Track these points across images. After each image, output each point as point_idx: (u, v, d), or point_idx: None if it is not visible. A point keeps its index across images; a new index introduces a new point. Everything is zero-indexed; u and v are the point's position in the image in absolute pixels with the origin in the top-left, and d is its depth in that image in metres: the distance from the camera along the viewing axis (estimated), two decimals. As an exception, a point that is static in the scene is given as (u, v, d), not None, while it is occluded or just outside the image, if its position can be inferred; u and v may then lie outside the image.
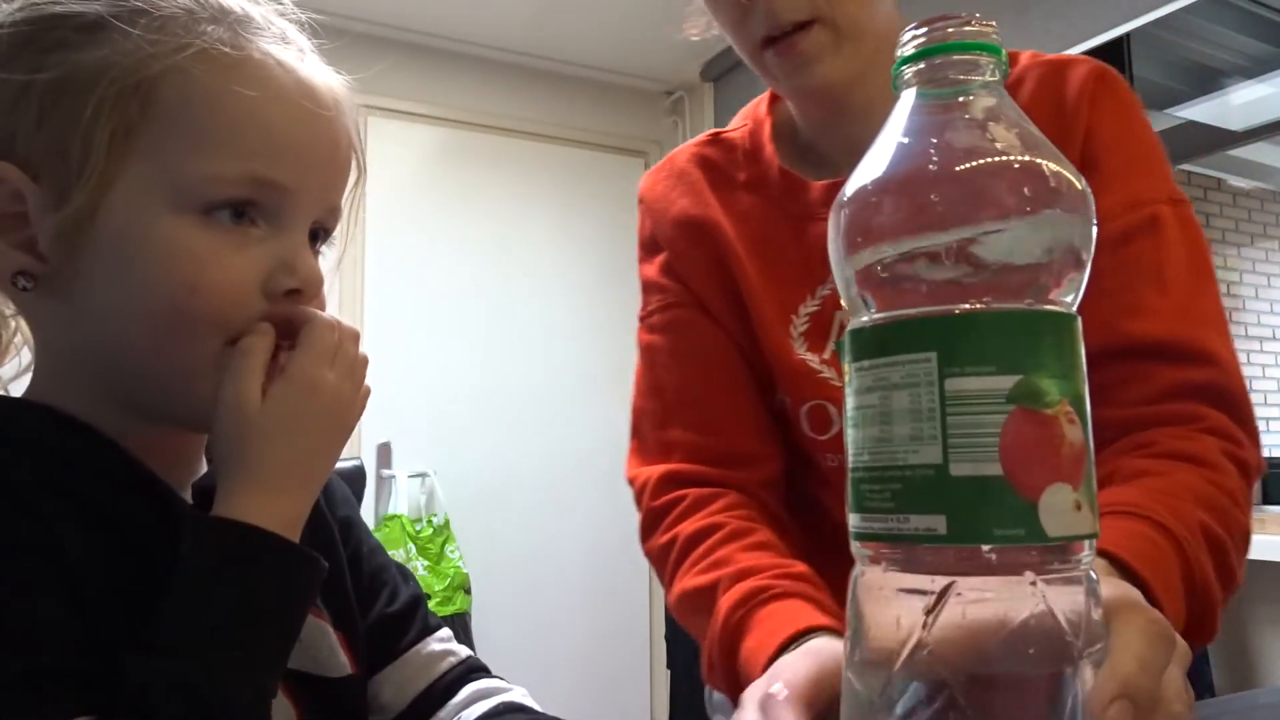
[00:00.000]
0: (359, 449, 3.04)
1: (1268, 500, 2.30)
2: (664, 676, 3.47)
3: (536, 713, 0.64)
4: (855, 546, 0.39)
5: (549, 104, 3.55)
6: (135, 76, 0.48)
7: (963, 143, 0.38)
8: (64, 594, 0.45)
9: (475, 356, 3.28)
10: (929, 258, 0.37)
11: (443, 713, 0.64)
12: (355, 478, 1.62)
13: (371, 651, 0.63)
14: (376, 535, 0.69)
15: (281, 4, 0.57)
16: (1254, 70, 3.15)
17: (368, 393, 0.55)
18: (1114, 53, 2.64)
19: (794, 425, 0.83)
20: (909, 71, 0.40)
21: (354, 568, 0.65)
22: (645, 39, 3.28)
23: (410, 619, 0.66)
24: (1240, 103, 3.28)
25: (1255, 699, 0.76)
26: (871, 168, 0.39)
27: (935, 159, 0.38)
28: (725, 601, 0.68)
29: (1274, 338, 3.96)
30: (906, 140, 0.39)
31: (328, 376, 0.51)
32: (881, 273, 0.38)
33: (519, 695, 0.66)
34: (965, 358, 0.35)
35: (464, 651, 0.68)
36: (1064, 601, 0.35)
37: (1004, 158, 0.37)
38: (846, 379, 0.39)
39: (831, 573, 0.68)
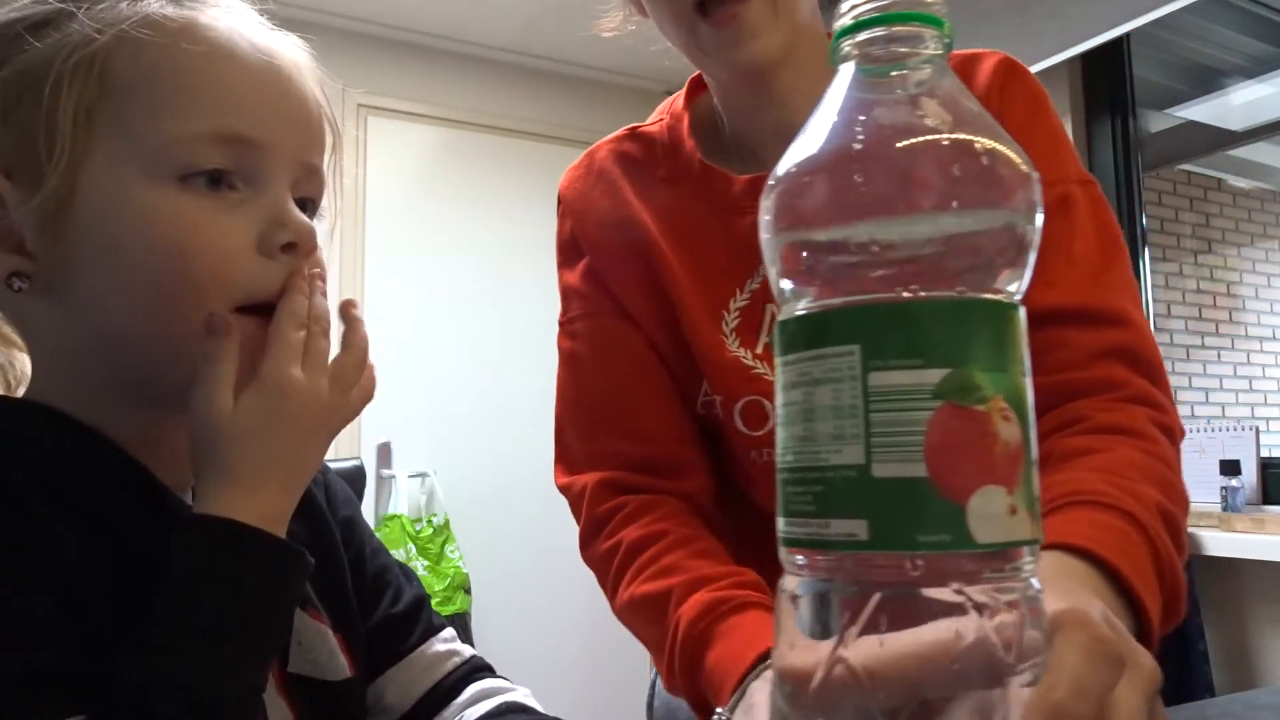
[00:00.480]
0: (359, 449, 3.04)
1: (1268, 500, 2.30)
2: (664, 676, 3.47)
3: (538, 713, 0.64)
4: (782, 552, 0.36)
5: (549, 104, 3.55)
6: (85, 53, 0.48)
7: (898, 123, 0.35)
8: (59, 594, 0.44)
9: (475, 356, 3.28)
10: (858, 245, 0.34)
11: (446, 712, 0.63)
12: (355, 478, 1.62)
13: (375, 653, 0.63)
14: (376, 535, 0.69)
15: None
16: (1254, 70, 3.15)
17: (361, 383, 0.54)
18: (1114, 53, 2.64)
19: (726, 424, 0.81)
20: (847, 44, 0.37)
21: (356, 569, 0.64)
22: (644, 39, 3.27)
23: (414, 620, 0.66)
24: (1240, 103, 3.28)
25: (1255, 699, 0.76)
26: (803, 147, 0.36)
27: (869, 140, 0.35)
28: (686, 612, 0.67)
29: (1274, 338, 3.96)
30: (841, 119, 0.36)
31: (297, 376, 0.50)
32: (809, 260, 0.35)
33: (522, 695, 0.65)
34: (890, 350, 0.33)
35: (468, 651, 0.67)
36: (995, 613, 0.33)
37: (941, 139, 0.34)
38: (776, 375, 0.37)
39: (764, 573, 0.69)
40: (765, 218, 0.37)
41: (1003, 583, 0.33)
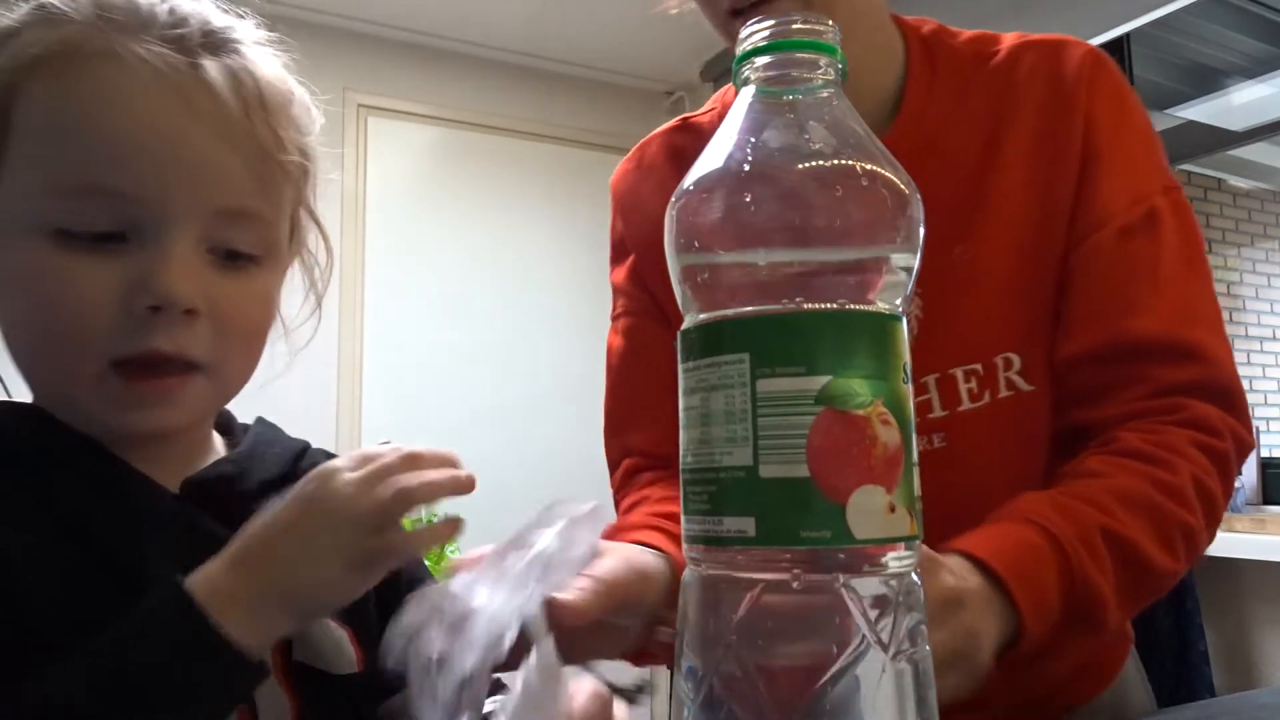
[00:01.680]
0: (359, 449, 3.04)
1: (1268, 500, 2.30)
2: (664, 676, 3.47)
3: None
4: (685, 549, 0.39)
5: (549, 104, 3.55)
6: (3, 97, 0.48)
7: (789, 147, 0.38)
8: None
9: (475, 356, 3.28)
10: (747, 260, 0.37)
11: None
12: (355, 478, 1.62)
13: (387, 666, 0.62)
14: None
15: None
16: (1254, 70, 3.15)
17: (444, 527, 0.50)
18: (1114, 53, 2.63)
19: None
20: (746, 69, 0.40)
21: (392, 578, 0.64)
22: (644, 39, 3.28)
23: None
24: (1240, 103, 3.27)
25: (1255, 699, 0.76)
26: (701, 168, 0.39)
27: (760, 163, 0.38)
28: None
29: (1274, 338, 3.96)
30: (737, 141, 0.39)
31: (343, 472, 0.46)
32: (703, 274, 0.38)
33: None
34: (776, 359, 0.35)
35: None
36: (872, 604, 0.35)
37: (825, 163, 0.37)
38: (680, 380, 0.39)
39: None
40: (666, 234, 0.40)
41: (880, 575, 0.36)
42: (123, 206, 0.48)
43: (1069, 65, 0.76)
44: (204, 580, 0.43)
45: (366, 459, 0.47)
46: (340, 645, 0.56)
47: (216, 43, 0.52)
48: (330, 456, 0.55)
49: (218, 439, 0.61)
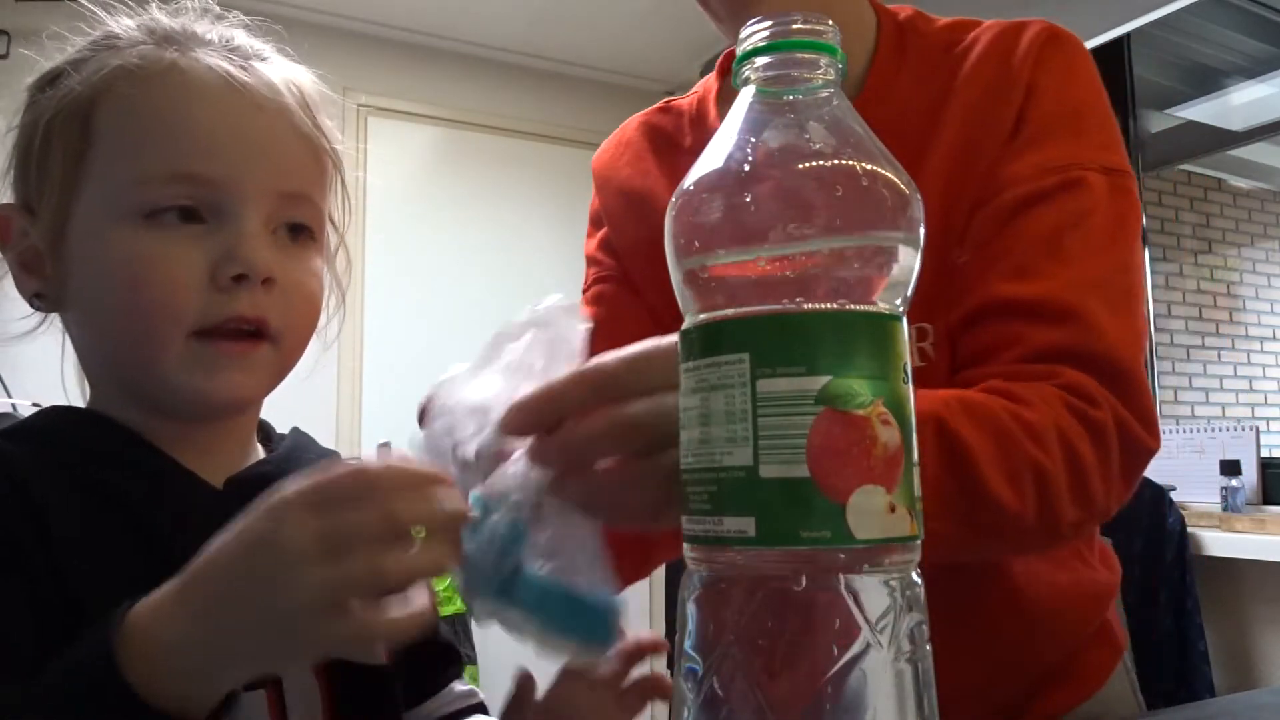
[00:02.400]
0: (359, 449, 3.04)
1: (1268, 500, 2.30)
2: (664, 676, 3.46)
3: None
4: (685, 549, 0.39)
5: (549, 104, 3.55)
6: (77, 106, 0.55)
7: (789, 146, 0.38)
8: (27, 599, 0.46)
9: (475, 355, 3.28)
10: (747, 260, 0.37)
11: None
12: (355, 478, 1.62)
13: (414, 678, 0.65)
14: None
15: (231, 15, 0.62)
16: (1254, 70, 3.15)
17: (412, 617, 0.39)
18: (1114, 53, 2.64)
19: None
20: (747, 68, 0.40)
21: None
22: (644, 39, 3.28)
23: (451, 654, 0.70)
24: (1240, 103, 3.28)
25: (1255, 699, 0.76)
26: (701, 168, 0.39)
27: (760, 163, 0.38)
28: None
29: (1274, 338, 3.96)
30: (737, 141, 0.39)
31: (299, 515, 0.38)
32: (704, 273, 0.38)
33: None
34: (776, 359, 0.35)
35: (480, 696, 0.70)
36: (873, 604, 0.35)
37: (826, 163, 0.37)
38: (680, 380, 0.39)
39: None
40: (666, 234, 0.40)
41: (882, 576, 0.36)
42: (203, 190, 0.54)
43: (1021, 43, 0.74)
44: (145, 623, 0.39)
45: (329, 495, 0.38)
46: None
47: (260, 55, 0.60)
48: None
49: (258, 445, 0.64)
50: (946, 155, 0.72)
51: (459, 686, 0.70)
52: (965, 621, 0.69)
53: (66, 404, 0.59)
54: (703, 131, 0.86)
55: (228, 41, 0.59)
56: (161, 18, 0.59)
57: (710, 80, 0.89)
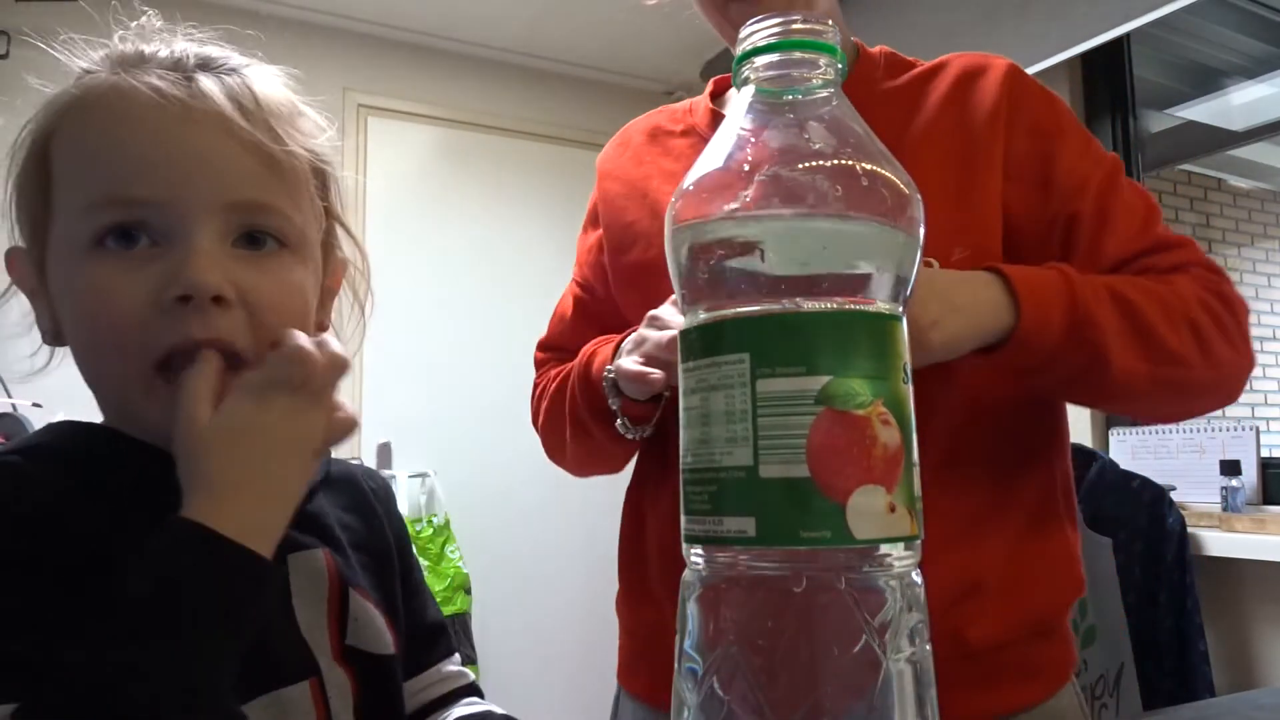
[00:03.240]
0: (359, 449, 3.04)
1: (1268, 500, 2.30)
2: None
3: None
4: (684, 549, 0.39)
5: (549, 104, 3.55)
6: (37, 146, 0.55)
7: (789, 146, 0.38)
8: (24, 582, 0.46)
9: (475, 356, 3.28)
10: (747, 260, 0.37)
11: (441, 714, 0.68)
12: (355, 478, 1.62)
13: (411, 655, 0.67)
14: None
15: (192, 29, 0.61)
16: (1254, 70, 3.15)
17: (346, 420, 0.55)
18: (1114, 53, 2.64)
19: None
20: (747, 68, 0.40)
21: (405, 576, 0.69)
22: (644, 39, 3.28)
23: (440, 635, 0.71)
24: (1240, 103, 3.28)
25: (1255, 699, 0.76)
26: (701, 167, 0.39)
27: (760, 162, 0.38)
28: (579, 355, 0.87)
29: (1274, 338, 3.96)
30: (737, 140, 0.39)
31: (279, 394, 0.51)
32: (704, 273, 0.38)
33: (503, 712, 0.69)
34: (776, 359, 0.35)
35: (470, 677, 0.72)
36: (873, 604, 0.35)
37: (826, 162, 0.37)
38: (680, 381, 0.39)
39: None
40: (666, 234, 0.40)
41: (882, 575, 0.36)
42: (142, 212, 0.52)
43: (988, 88, 0.83)
44: (205, 507, 0.47)
45: (277, 378, 0.51)
46: (382, 630, 0.61)
47: (212, 67, 0.58)
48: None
49: None
50: (930, 164, 0.80)
51: (449, 666, 0.71)
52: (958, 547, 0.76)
53: (75, 419, 0.58)
54: (693, 115, 0.95)
55: (179, 56, 0.57)
56: (123, 44, 0.58)
57: (704, 99, 0.96)
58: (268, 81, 0.59)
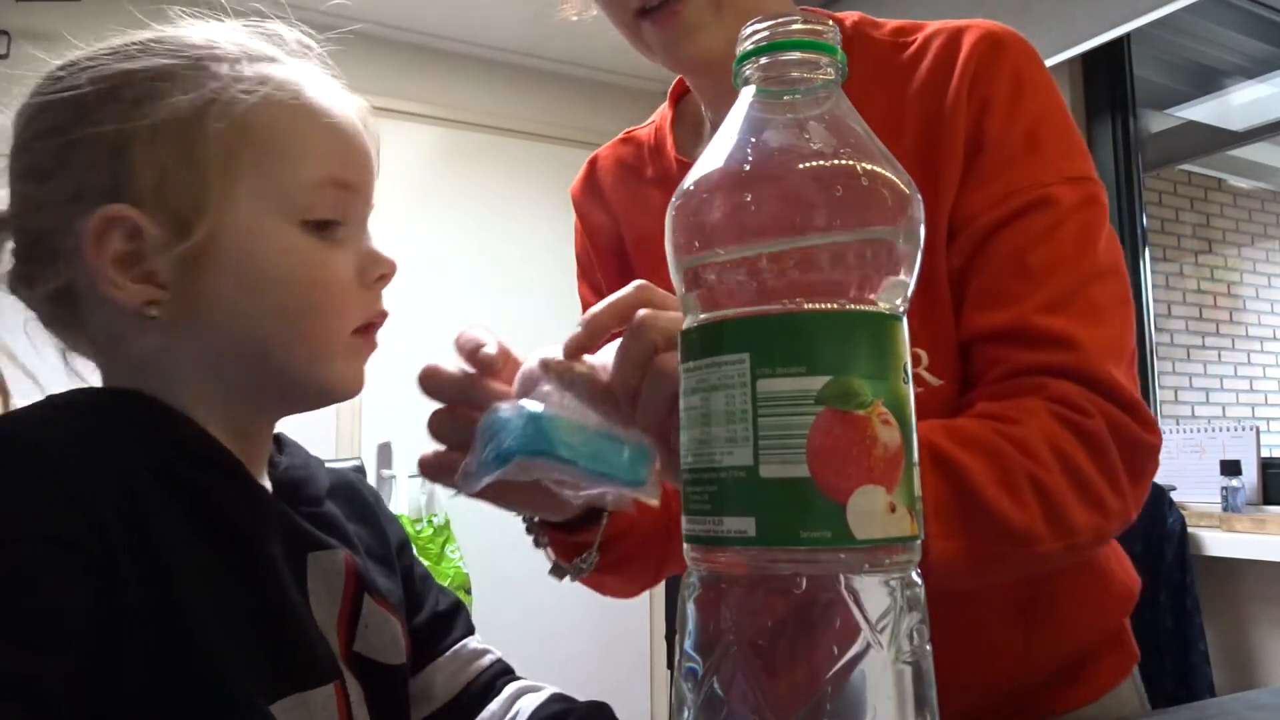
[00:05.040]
0: (359, 449, 3.04)
1: (1268, 500, 2.30)
2: (664, 676, 3.47)
3: (578, 702, 0.69)
4: (685, 549, 0.39)
5: (549, 104, 3.55)
6: (234, 111, 0.55)
7: (789, 147, 0.38)
8: (99, 590, 0.44)
9: (475, 356, 3.28)
10: (748, 260, 0.37)
11: (493, 707, 0.68)
12: (355, 478, 1.63)
13: (425, 645, 0.68)
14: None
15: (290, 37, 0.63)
16: (1254, 70, 3.15)
17: None
18: (1114, 53, 2.64)
19: None
20: (749, 68, 0.40)
21: (407, 574, 0.70)
22: (645, 39, 3.27)
23: (457, 617, 0.72)
24: (1240, 103, 3.28)
25: (1255, 699, 0.76)
26: (702, 167, 0.39)
27: (761, 162, 0.38)
28: None
29: (1274, 338, 3.96)
30: (738, 141, 0.39)
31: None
32: (705, 273, 0.38)
33: (555, 690, 0.71)
34: (776, 359, 0.35)
35: (497, 653, 0.73)
36: (873, 604, 0.35)
37: (826, 163, 0.37)
38: (680, 380, 0.39)
39: None
40: (666, 233, 0.40)
41: (882, 576, 0.36)
42: (345, 197, 0.58)
43: (961, 55, 0.72)
44: None
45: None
46: (397, 637, 0.62)
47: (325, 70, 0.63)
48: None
49: None
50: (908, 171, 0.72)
51: (472, 643, 0.71)
52: (990, 603, 0.72)
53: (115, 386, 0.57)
54: (661, 160, 0.87)
55: (309, 54, 0.62)
56: (226, 33, 0.59)
57: (666, 107, 0.91)
58: None
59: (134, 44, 0.57)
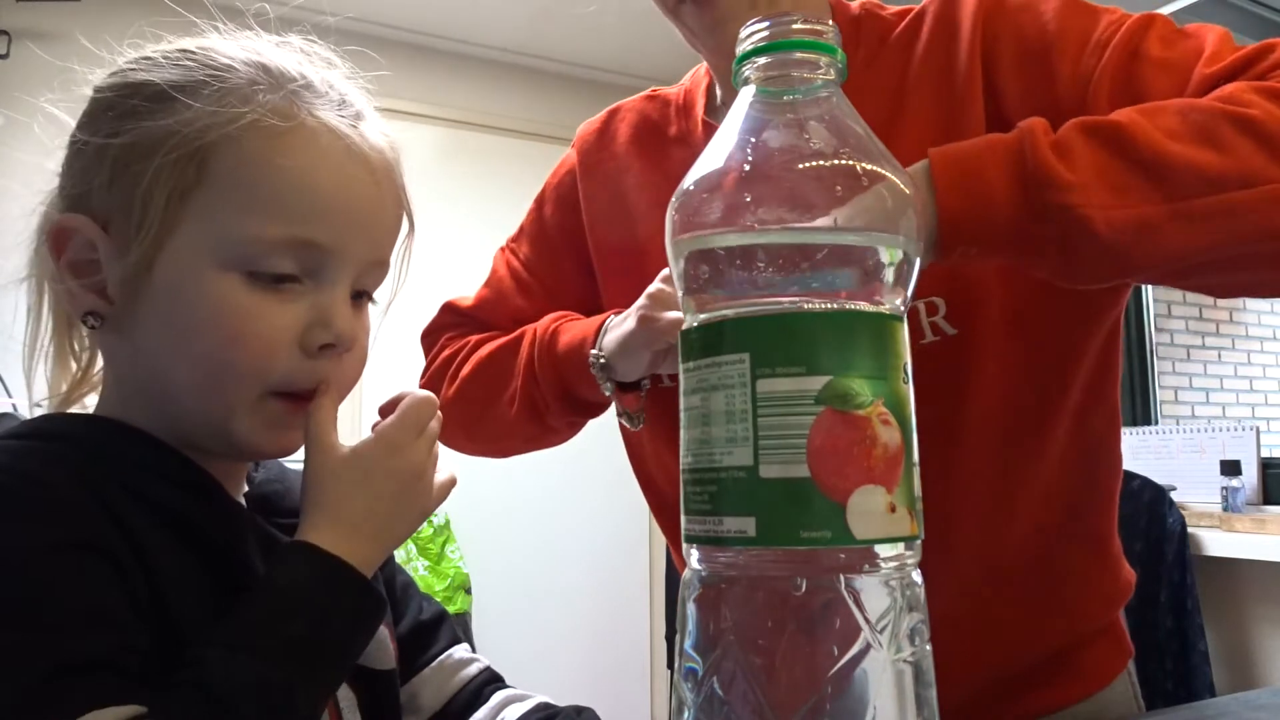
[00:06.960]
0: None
1: (1268, 500, 2.30)
2: (664, 676, 3.48)
3: (565, 708, 0.68)
4: (685, 548, 0.39)
5: (549, 104, 3.55)
6: (193, 145, 0.52)
7: (789, 146, 0.38)
8: (132, 593, 0.47)
9: (475, 356, 3.28)
10: (747, 260, 0.37)
11: (480, 715, 0.67)
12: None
13: (411, 655, 0.68)
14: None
15: (337, 67, 0.60)
16: (1254, 70, 3.15)
17: (450, 481, 0.60)
18: (1114, 53, 2.63)
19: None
20: (749, 68, 0.40)
21: (389, 584, 0.70)
22: (644, 39, 3.28)
23: (441, 627, 0.72)
24: (1240, 103, 3.27)
25: (1255, 699, 0.76)
26: (702, 166, 0.39)
27: (760, 162, 0.38)
28: (536, 328, 0.82)
29: (1274, 338, 3.97)
30: (738, 140, 0.39)
31: (410, 443, 0.56)
32: (704, 273, 0.38)
33: (542, 698, 0.70)
34: (776, 359, 0.35)
35: (484, 661, 0.72)
36: (873, 604, 0.35)
37: (826, 163, 0.37)
38: (680, 380, 0.39)
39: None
40: (667, 234, 0.40)
41: (882, 575, 0.36)
42: (310, 255, 0.54)
43: (963, 23, 0.73)
44: (331, 541, 0.51)
45: (409, 425, 0.57)
46: (385, 644, 0.62)
47: (361, 112, 0.59)
48: None
49: None
50: (917, 140, 0.70)
51: (458, 653, 0.71)
52: (997, 568, 0.74)
53: (74, 411, 0.58)
54: (687, 121, 0.87)
55: (341, 96, 0.57)
56: (269, 52, 0.57)
57: (700, 73, 0.89)
58: (385, 127, 0.60)
59: (167, 55, 0.56)
